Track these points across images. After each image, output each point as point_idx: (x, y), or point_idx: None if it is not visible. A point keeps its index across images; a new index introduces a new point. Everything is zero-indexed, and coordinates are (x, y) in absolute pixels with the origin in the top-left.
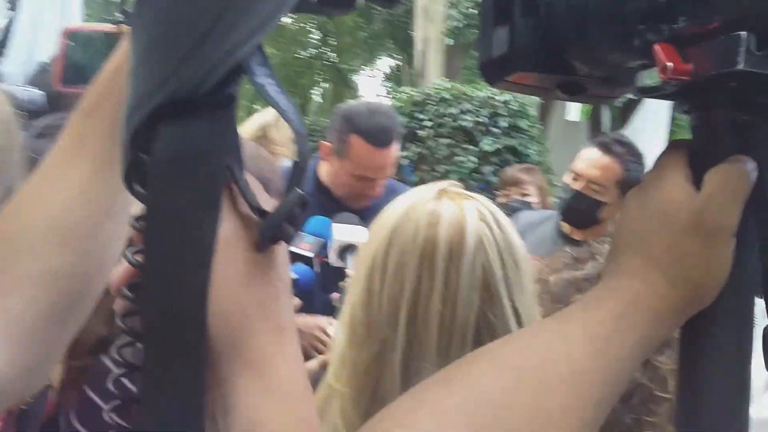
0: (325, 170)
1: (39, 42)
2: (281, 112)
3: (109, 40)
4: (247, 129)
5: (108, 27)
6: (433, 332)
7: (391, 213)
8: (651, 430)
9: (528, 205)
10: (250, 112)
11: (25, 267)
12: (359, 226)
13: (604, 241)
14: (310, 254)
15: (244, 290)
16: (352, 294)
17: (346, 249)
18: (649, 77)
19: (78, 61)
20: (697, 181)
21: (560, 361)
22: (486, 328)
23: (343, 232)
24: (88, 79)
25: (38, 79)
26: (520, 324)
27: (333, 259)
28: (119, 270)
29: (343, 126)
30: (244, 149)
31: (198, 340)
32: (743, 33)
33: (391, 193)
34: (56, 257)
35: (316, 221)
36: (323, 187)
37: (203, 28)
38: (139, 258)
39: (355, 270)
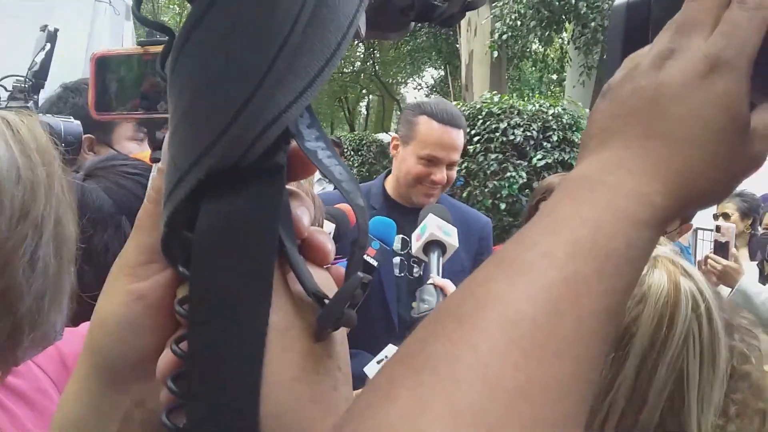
0: (390, 183)
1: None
2: (336, 182)
3: (139, 64)
4: None
5: (136, 49)
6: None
7: None
8: (736, 407)
9: None
10: None
11: None
12: (452, 226)
13: None
14: (375, 263)
15: (298, 386)
16: None
17: (434, 245)
18: None
19: (109, 87)
20: None
21: (566, 311)
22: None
23: (437, 225)
24: (121, 105)
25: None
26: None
27: (416, 249)
28: (163, 359)
29: (412, 112)
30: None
31: None
32: None
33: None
34: None
35: (381, 223)
36: (391, 200)
37: (246, 90)
38: (183, 347)
39: None
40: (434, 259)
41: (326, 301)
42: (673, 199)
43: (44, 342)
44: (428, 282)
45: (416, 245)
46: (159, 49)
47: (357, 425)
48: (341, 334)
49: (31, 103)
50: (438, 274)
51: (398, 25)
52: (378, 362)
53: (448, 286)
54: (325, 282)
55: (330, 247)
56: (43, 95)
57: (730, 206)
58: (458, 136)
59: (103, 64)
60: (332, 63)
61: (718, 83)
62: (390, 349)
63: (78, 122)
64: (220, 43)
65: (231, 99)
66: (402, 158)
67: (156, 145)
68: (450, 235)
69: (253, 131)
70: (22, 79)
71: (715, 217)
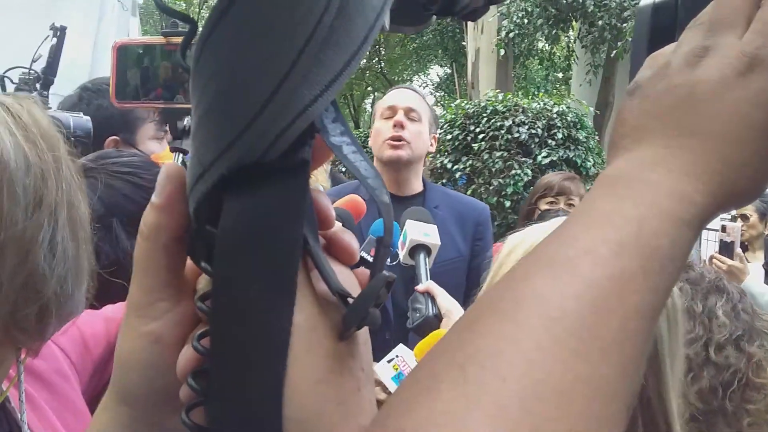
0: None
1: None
2: (361, 178)
3: (161, 54)
4: None
5: (158, 39)
6: None
7: None
8: (750, 418)
9: None
10: None
11: None
12: (431, 225)
13: None
14: None
15: (323, 387)
16: None
17: (418, 248)
18: None
19: (130, 76)
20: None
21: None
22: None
23: (417, 230)
24: (142, 94)
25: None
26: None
27: (403, 256)
28: (184, 355)
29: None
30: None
31: None
32: None
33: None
34: None
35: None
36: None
37: (270, 84)
38: (205, 344)
39: None
40: (421, 262)
41: (350, 300)
42: (712, 197)
43: (67, 319)
44: (416, 289)
45: (402, 253)
46: (180, 39)
47: (397, 421)
48: (364, 334)
49: (35, 94)
50: (426, 277)
51: (419, 19)
52: (388, 361)
53: (431, 287)
54: (347, 280)
55: (356, 246)
56: (52, 90)
57: (749, 207)
58: (410, 93)
59: (124, 52)
60: (358, 57)
61: (756, 82)
62: (400, 349)
63: (87, 118)
64: (244, 37)
65: (255, 93)
66: (373, 135)
67: (176, 135)
68: (430, 235)
69: (278, 126)
70: (28, 71)
71: (734, 218)
